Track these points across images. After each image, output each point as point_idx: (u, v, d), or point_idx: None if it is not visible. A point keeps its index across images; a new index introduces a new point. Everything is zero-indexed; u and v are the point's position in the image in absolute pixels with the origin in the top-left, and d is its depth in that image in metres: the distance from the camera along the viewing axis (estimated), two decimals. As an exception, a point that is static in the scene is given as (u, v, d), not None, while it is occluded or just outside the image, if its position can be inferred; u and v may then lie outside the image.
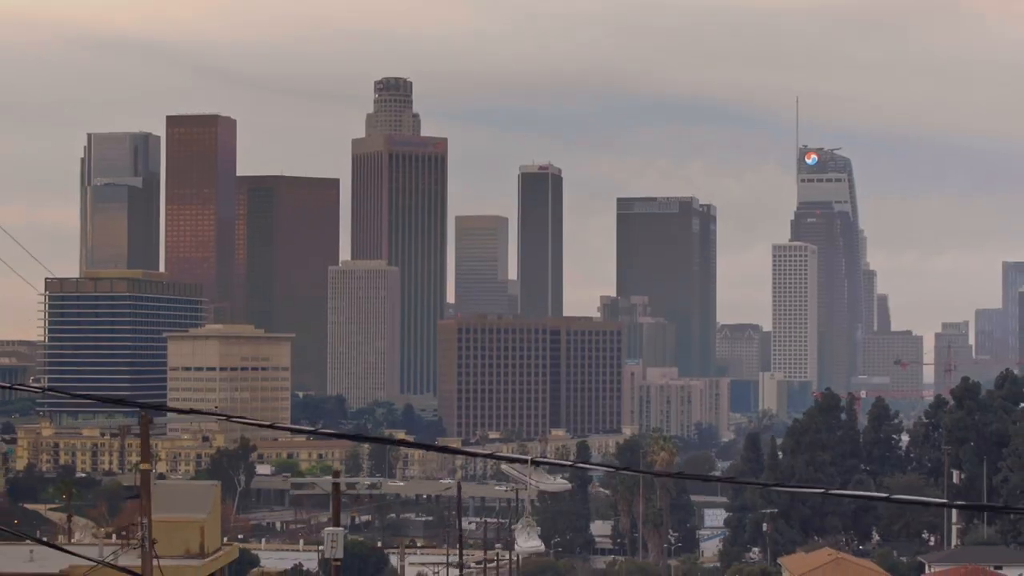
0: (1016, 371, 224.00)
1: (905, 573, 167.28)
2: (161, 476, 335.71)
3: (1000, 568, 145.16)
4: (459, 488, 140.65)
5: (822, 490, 27.19)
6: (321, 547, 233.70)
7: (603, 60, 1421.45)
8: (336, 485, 58.83)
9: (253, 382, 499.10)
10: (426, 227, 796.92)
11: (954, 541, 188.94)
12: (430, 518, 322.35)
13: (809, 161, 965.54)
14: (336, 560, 57.20)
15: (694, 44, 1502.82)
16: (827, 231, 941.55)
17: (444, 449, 31.20)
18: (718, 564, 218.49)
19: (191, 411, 28.33)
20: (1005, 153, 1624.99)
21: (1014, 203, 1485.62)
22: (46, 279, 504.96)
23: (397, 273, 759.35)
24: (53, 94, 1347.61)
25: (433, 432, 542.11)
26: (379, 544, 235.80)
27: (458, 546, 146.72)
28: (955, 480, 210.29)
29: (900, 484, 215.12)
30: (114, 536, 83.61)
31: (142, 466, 41.92)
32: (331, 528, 57.00)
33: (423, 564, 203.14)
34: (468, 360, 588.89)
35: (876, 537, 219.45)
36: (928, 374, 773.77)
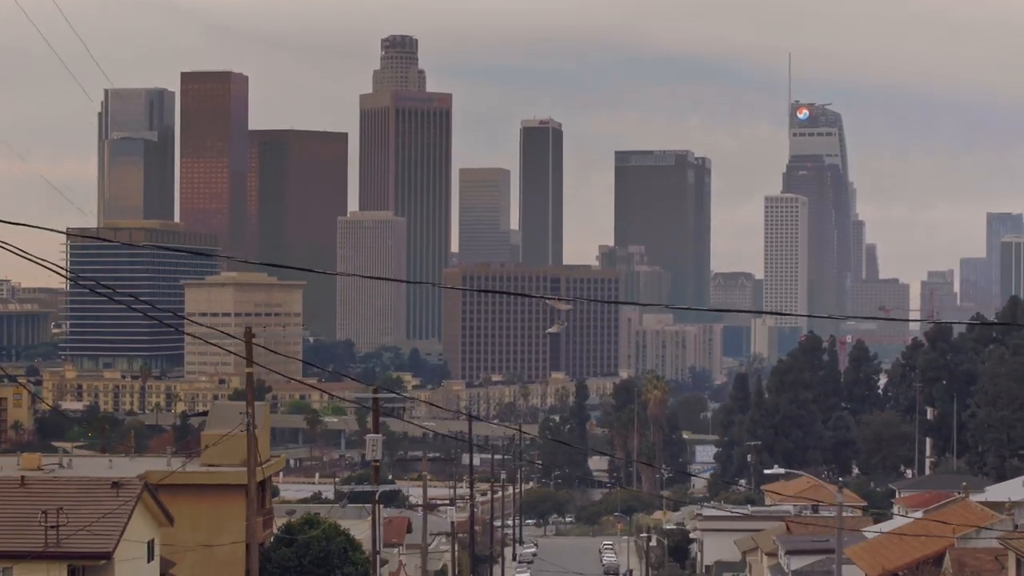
0: (994, 317, 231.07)
1: (878, 499, 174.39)
2: (184, 415, 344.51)
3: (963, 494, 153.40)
4: (470, 422, 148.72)
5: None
6: (337, 479, 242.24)
7: (604, 18, 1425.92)
8: (375, 400, 67.55)
9: (267, 327, 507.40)
10: (431, 179, 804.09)
11: (928, 473, 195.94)
12: (437, 455, 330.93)
13: (801, 116, 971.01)
14: (376, 461, 66.12)
15: (692, 3, 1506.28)
16: (818, 183, 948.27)
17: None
18: (707, 494, 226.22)
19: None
20: (992, 108, 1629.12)
21: (999, 157, 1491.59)
22: (67, 229, 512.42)
23: (403, 223, 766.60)
24: (72, 50, 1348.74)
25: (438, 376, 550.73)
26: (390, 478, 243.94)
27: (469, 477, 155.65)
28: (928, 416, 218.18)
29: (878, 421, 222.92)
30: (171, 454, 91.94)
31: (247, 370, 50.14)
32: (371, 435, 65.77)
33: (432, 497, 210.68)
34: (471, 307, 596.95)
35: (856, 471, 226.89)
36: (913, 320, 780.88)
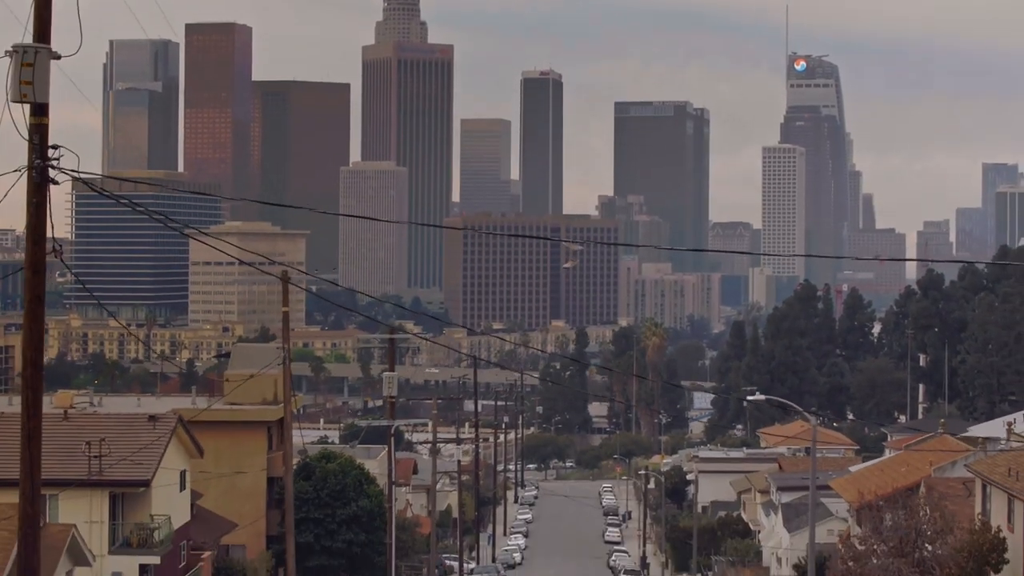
0: (983, 267, 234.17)
1: (871, 443, 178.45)
2: (191, 362, 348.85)
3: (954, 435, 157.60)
4: (475, 367, 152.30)
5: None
6: (341, 424, 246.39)
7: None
8: (392, 340, 71.86)
9: (268, 276, 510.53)
10: (433, 130, 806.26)
11: (920, 418, 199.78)
12: (440, 401, 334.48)
13: (798, 67, 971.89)
14: (391, 398, 70.47)
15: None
16: (815, 134, 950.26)
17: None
18: (704, 439, 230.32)
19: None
20: (988, 59, 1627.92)
21: (995, 108, 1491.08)
22: (73, 178, 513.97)
23: (405, 173, 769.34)
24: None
25: (440, 324, 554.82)
26: (388, 429, 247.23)
27: (474, 421, 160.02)
28: (921, 363, 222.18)
29: (871, 367, 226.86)
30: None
31: (283, 308, 53.99)
32: (388, 372, 70.09)
33: (430, 442, 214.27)
34: (472, 256, 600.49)
35: (850, 416, 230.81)
36: (910, 269, 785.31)
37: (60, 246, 28.75)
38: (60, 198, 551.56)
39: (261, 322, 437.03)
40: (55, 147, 27.48)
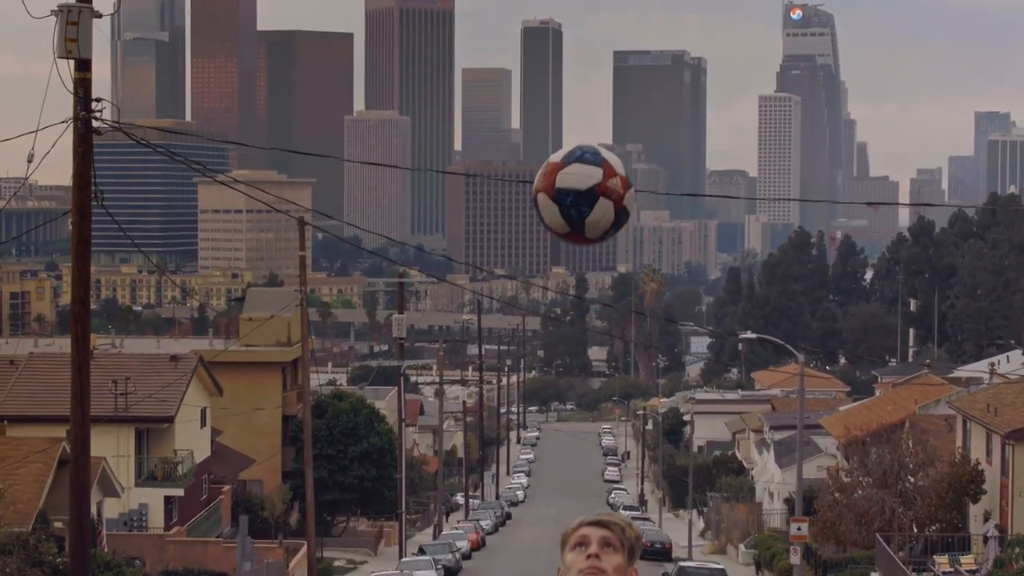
0: (973, 214, 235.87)
1: (862, 386, 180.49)
2: (202, 307, 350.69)
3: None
4: (479, 310, 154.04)
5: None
6: (349, 367, 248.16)
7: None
8: (400, 285, 73.80)
9: (276, 223, 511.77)
10: (434, 79, 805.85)
11: (910, 361, 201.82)
12: (446, 343, 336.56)
13: (794, 16, 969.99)
14: (400, 339, 72.45)
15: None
16: (810, 83, 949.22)
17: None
18: (700, 381, 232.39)
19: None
20: (982, 8, 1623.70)
21: (988, 57, 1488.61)
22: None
23: (408, 122, 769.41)
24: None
25: (443, 269, 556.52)
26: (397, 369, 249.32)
27: (477, 364, 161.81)
28: (911, 308, 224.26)
29: (863, 312, 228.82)
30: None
31: (300, 252, 55.87)
32: (397, 315, 72.10)
33: (436, 383, 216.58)
34: (474, 204, 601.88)
35: (842, 359, 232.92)
36: (903, 216, 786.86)
37: (101, 192, 30.61)
38: (70, 147, 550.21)
39: (269, 268, 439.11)
40: (98, 100, 29.28)
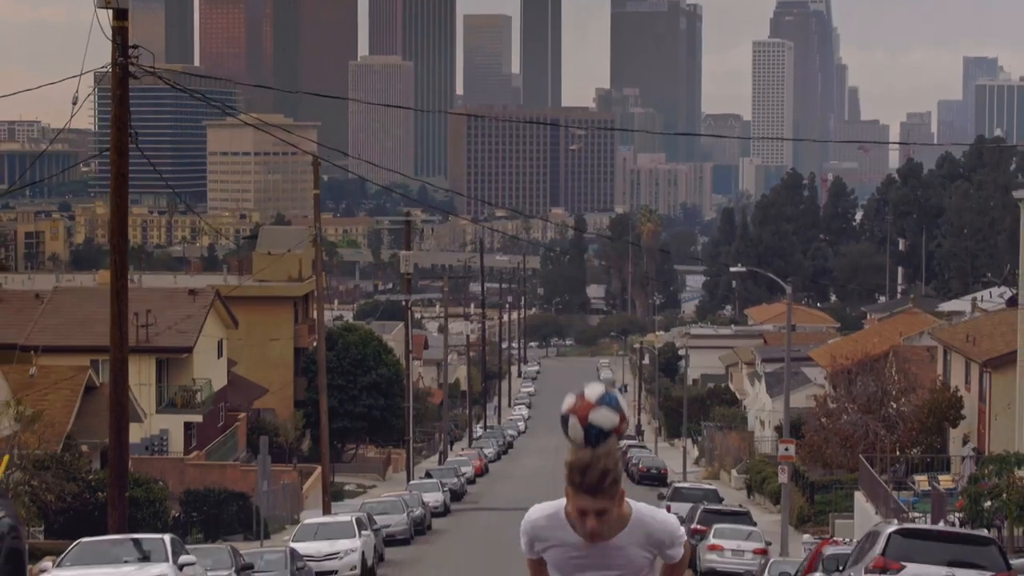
0: (960, 155, 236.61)
1: (852, 322, 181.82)
2: (211, 247, 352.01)
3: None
4: (481, 248, 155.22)
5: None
6: (354, 304, 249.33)
7: None
8: (407, 223, 75.07)
9: (284, 166, 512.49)
10: (437, 25, 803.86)
11: (898, 298, 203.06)
12: (450, 279, 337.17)
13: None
14: (407, 274, 73.80)
15: None
16: (803, 29, 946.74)
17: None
18: (695, 318, 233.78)
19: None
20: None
21: (977, 2, 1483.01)
22: (93, 72, 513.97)
23: (411, 67, 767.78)
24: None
25: (446, 210, 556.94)
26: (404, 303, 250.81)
27: (481, 302, 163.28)
28: (900, 247, 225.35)
29: (853, 251, 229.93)
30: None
31: (314, 191, 57.06)
32: (404, 252, 73.41)
33: (441, 316, 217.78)
34: (475, 147, 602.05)
35: (833, 297, 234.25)
36: (892, 159, 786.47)
37: (136, 133, 31.96)
38: (82, 90, 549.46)
39: (277, 209, 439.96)
40: (134, 47, 30.60)
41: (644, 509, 8.27)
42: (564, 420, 8.26)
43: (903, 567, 19.89)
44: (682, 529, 8.39)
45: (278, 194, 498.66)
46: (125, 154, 30.34)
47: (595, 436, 8.05)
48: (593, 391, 8.22)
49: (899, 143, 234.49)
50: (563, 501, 8.25)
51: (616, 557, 8.18)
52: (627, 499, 8.22)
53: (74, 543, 25.81)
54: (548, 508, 8.35)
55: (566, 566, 8.26)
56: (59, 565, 24.28)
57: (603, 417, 8.06)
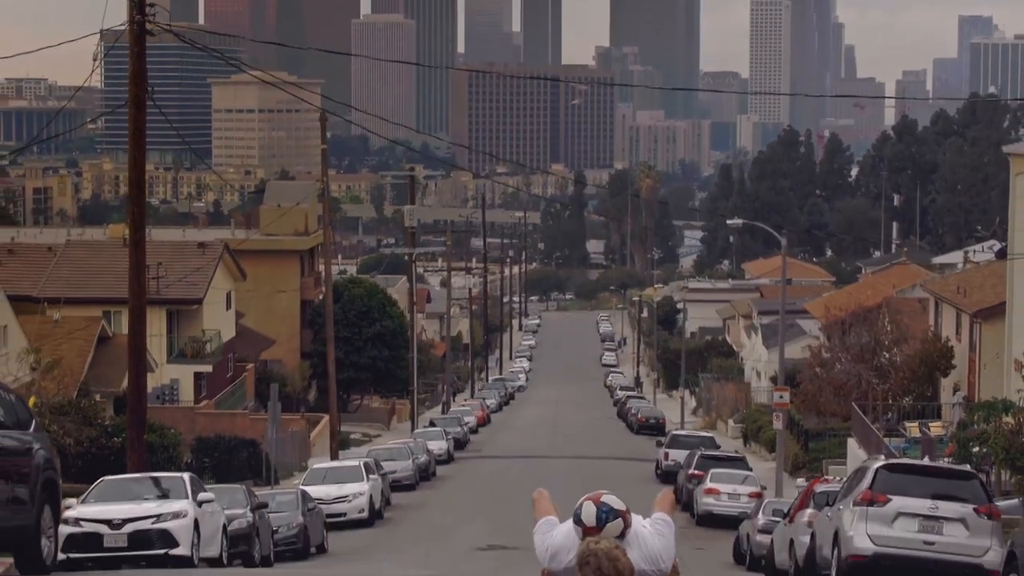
0: (954, 112, 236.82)
1: (847, 276, 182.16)
2: (217, 203, 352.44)
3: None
4: (483, 203, 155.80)
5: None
6: (357, 259, 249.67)
7: None
8: (411, 178, 75.65)
9: (288, 123, 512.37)
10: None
11: (893, 252, 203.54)
12: (452, 233, 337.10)
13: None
14: (411, 228, 74.44)
15: None
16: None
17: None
18: (693, 272, 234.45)
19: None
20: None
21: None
22: (101, 30, 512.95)
23: (412, 26, 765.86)
24: None
25: (447, 166, 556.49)
26: (408, 256, 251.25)
27: (483, 256, 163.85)
28: (895, 203, 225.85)
29: (849, 207, 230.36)
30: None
31: (321, 146, 57.63)
32: (408, 206, 74.02)
33: (443, 270, 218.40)
34: (477, 104, 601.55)
35: (829, 252, 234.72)
36: (888, 116, 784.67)
37: (152, 88, 32.56)
38: (88, 49, 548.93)
39: (281, 165, 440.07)
40: (151, 5, 31.17)
41: (641, 531, 9.66)
42: (579, 508, 9.58)
43: (889, 500, 20.61)
44: (670, 555, 9.71)
45: (282, 151, 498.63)
46: (143, 109, 30.99)
47: (605, 515, 9.45)
48: (591, 514, 9.63)
49: (894, 97, 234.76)
50: (574, 552, 9.48)
51: None
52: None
53: (97, 481, 26.56)
54: (563, 550, 9.66)
55: None
56: (84, 502, 25.01)
57: (612, 500, 9.52)
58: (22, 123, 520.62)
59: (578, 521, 9.45)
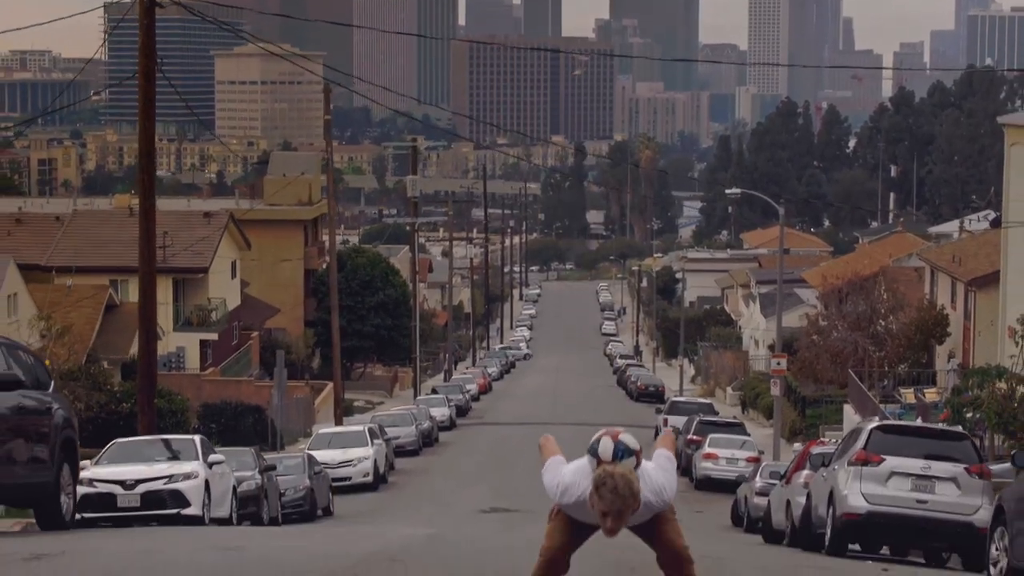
0: (951, 84, 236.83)
1: (844, 246, 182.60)
2: (220, 174, 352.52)
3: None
4: (484, 173, 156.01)
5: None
6: (359, 229, 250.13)
7: None
8: (414, 148, 75.93)
9: (291, 95, 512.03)
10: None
11: (890, 223, 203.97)
12: (454, 203, 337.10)
13: None
14: (414, 198, 74.72)
15: None
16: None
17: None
18: (692, 242, 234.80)
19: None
20: None
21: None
22: (105, 2, 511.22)
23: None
24: None
25: (448, 138, 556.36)
26: (410, 226, 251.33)
27: (484, 227, 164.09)
28: (892, 174, 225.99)
29: (846, 178, 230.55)
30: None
31: (326, 117, 57.85)
32: (411, 176, 74.31)
33: (444, 240, 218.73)
34: (477, 76, 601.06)
35: (826, 222, 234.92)
36: (886, 88, 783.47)
37: (162, 59, 32.84)
38: (93, 21, 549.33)
39: (283, 137, 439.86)
40: (160, -23, 31.44)
41: (647, 467, 10.17)
42: (596, 442, 10.06)
43: (883, 460, 21.00)
44: (672, 488, 10.24)
45: (284, 122, 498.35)
46: (152, 79, 31.30)
47: (621, 452, 9.91)
48: (607, 449, 10.09)
49: (891, 68, 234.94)
50: (587, 490, 9.97)
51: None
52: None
53: (110, 443, 26.95)
54: (578, 490, 10.07)
55: (586, 528, 10.26)
56: (97, 463, 25.41)
57: (629, 440, 10.00)
58: (27, 95, 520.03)
59: (594, 454, 9.91)
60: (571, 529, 10.13)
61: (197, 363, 69.63)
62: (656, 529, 10.10)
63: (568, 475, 10.08)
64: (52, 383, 18.93)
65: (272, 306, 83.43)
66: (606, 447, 9.88)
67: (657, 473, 10.12)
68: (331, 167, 55.80)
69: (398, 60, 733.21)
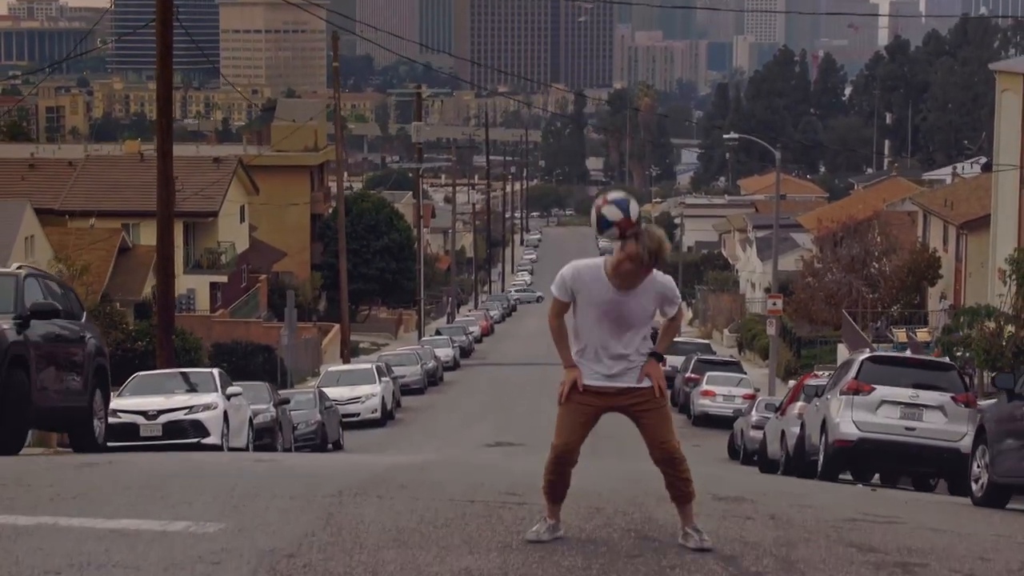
0: (945, 33, 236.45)
1: (840, 192, 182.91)
2: (225, 121, 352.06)
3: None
4: (487, 121, 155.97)
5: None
6: (363, 176, 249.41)
7: None
8: (418, 95, 76.25)
9: (295, 43, 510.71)
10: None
11: (885, 169, 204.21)
12: (457, 149, 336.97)
13: None
14: (418, 144, 75.15)
15: None
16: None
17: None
18: (691, 188, 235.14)
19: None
20: None
21: None
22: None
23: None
24: None
25: (450, 86, 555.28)
26: (415, 172, 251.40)
27: (486, 173, 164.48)
28: (887, 121, 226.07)
29: (842, 125, 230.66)
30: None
31: (333, 63, 58.26)
32: (416, 123, 74.72)
33: (447, 186, 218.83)
34: (479, 25, 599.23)
35: (823, 169, 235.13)
36: (881, 37, 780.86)
37: (177, 7, 33.29)
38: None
39: (287, 85, 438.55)
40: (174, -73, 31.88)
41: (657, 273, 9.92)
42: (598, 216, 9.78)
43: (873, 389, 21.67)
44: (679, 293, 10.18)
45: (288, 71, 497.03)
46: (170, 26, 31.80)
47: (603, 224, 9.63)
48: (613, 195, 9.83)
49: (887, 15, 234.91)
50: (601, 261, 9.92)
51: (633, 307, 9.88)
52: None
53: (131, 377, 27.59)
54: (591, 263, 10.02)
55: (593, 311, 9.92)
56: (120, 395, 26.05)
57: (610, 212, 9.55)
58: (34, 43, 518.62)
59: (607, 224, 9.59)
60: (577, 414, 9.98)
61: (207, 305, 70.28)
62: (651, 419, 9.88)
63: (580, 263, 9.98)
64: (84, 313, 19.57)
65: (279, 250, 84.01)
66: (610, 211, 9.55)
67: (665, 276, 10.02)
68: (338, 113, 56.33)
69: (400, 8, 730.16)
